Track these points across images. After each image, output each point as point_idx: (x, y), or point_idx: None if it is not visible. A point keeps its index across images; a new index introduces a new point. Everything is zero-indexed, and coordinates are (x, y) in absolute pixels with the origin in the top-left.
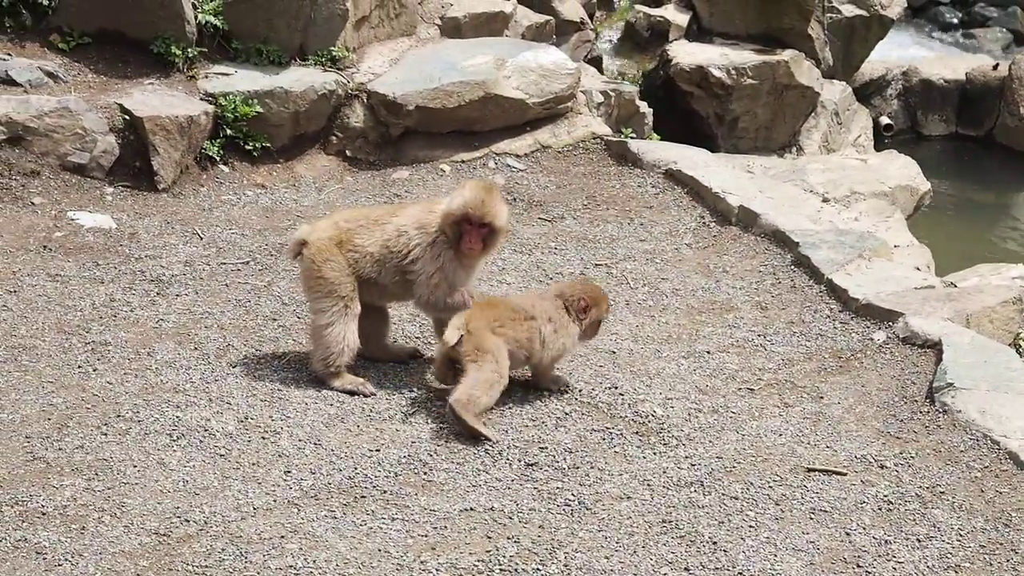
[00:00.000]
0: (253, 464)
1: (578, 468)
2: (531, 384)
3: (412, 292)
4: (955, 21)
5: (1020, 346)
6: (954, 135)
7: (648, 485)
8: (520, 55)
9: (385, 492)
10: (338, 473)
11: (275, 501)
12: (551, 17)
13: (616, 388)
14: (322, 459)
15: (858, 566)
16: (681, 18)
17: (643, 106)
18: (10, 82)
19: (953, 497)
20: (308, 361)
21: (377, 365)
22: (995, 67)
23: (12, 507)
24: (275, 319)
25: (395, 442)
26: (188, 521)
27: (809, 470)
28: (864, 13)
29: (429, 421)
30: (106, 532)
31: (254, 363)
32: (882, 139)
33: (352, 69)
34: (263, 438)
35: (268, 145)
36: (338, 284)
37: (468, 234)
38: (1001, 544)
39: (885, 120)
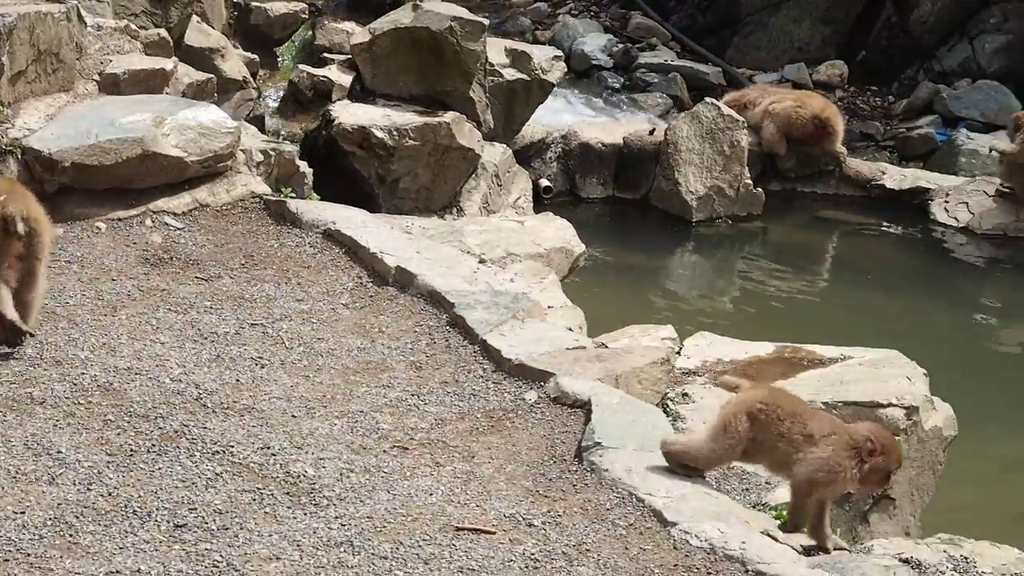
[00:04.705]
0: None
1: (227, 529)
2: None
3: None
4: (617, 86)
5: (668, 406)
6: (611, 198)
7: (298, 546)
8: (179, 113)
9: (29, 555)
10: None
11: None
12: (213, 75)
13: (268, 448)
14: None
15: None
16: (344, 79)
17: (303, 165)
18: None
19: (599, 554)
20: None
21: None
22: (651, 132)
23: None
24: None
25: (40, 504)
26: None
27: (458, 529)
28: (525, 77)
29: (77, 483)
30: None
31: None
32: (542, 201)
33: (7, 124)
34: None
35: None
36: None
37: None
38: None
39: (544, 182)
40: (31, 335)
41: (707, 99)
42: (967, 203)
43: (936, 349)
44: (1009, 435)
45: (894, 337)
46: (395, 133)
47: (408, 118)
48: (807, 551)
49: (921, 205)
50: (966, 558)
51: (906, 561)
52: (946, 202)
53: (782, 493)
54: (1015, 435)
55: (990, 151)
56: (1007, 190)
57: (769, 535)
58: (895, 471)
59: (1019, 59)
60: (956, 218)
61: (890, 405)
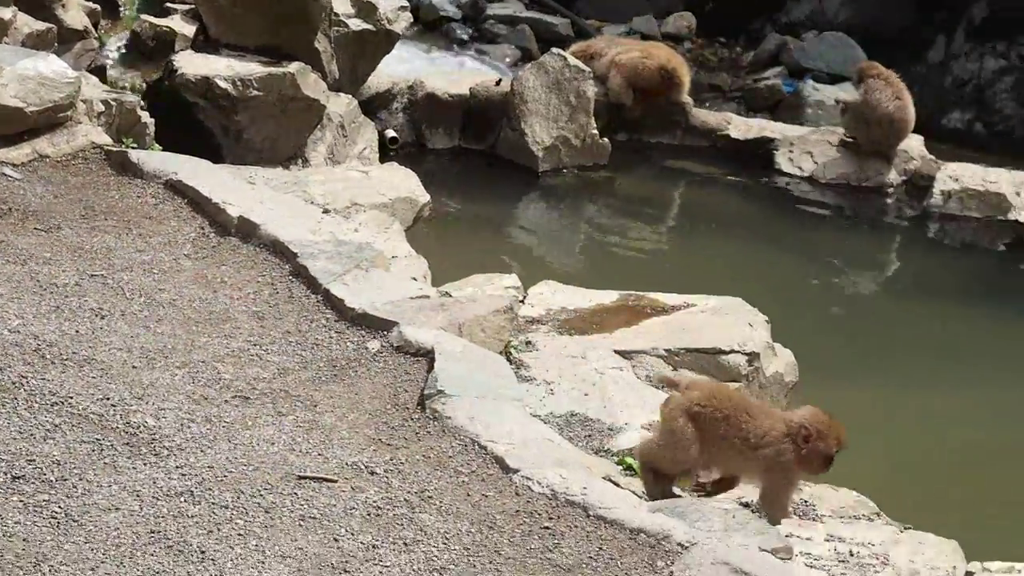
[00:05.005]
0: None
1: (66, 480)
2: None
3: None
4: (466, 37)
5: (511, 354)
6: (458, 149)
7: (137, 496)
8: (18, 63)
9: None
10: None
11: None
12: (53, 25)
13: (108, 399)
14: None
15: (345, 571)
16: (188, 29)
17: (145, 116)
18: None
19: (440, 501)
20: None
21: None
22: (498, 82)
23: None
24: None
25: None
26: None
27: (300, 478)
28: (371, 27)
29: None
30: None
31: None
32: (388, 152)
33: None
34: None
35: None
36: None
37: None
38: (485, 546)
39: (391, 133)
40: None
41: (553, 50)
42: (811, 153)
43: (778, 296)
44: (849, 380)
45: (737, 285)
46: (239, 84)
47: (252, 69)
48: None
49: (766, 155)
50: (806, 501)
51: (746, 505)
52: (791, 152)
53: (624, 439)
54: (855, 380)
55: (836, 102)
56: (850, 140)
57: (611, 480)
58: (836, 454)
59: (865, 11)
60: (800, 167)
61: (732, 352)
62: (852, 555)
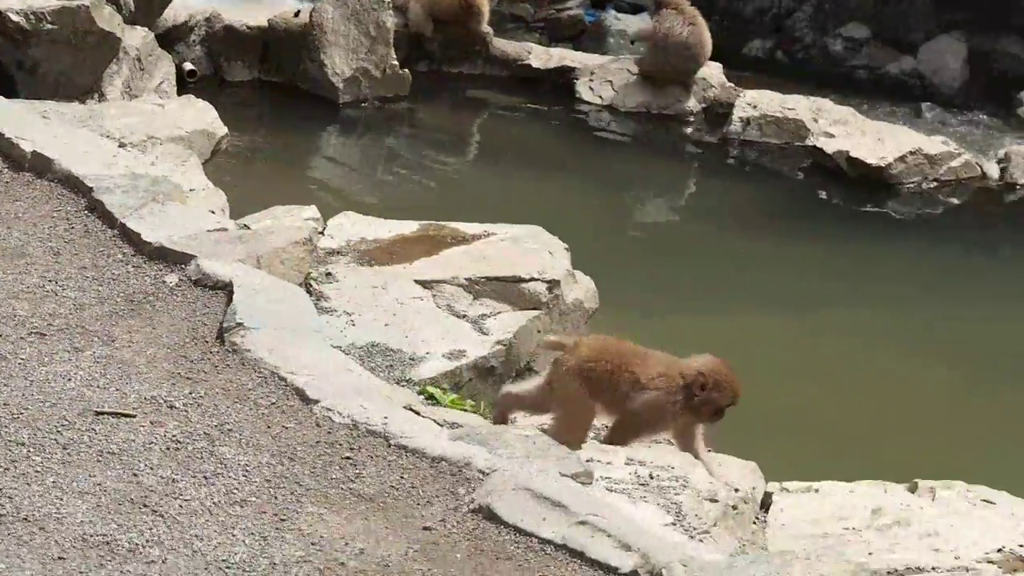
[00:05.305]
0: None
1: None
2: None
3: None
4: None
5: (311, 285)
6: (257, 81)
7: None
8: None
9: None
10: None
11: None
12: None
13: None
14: None
15: (145, 505)
16: None
17: None
18: None
19: (241, 434)
20: None
21: None
22: (296, 14)
23: None
24: None
25: None
26: None
27: (98, 413)
28: None
29: None
30: None
31: None
32: (186, 85)
33: None
34: None
35: None
36: None
37: None
38: (286, 477)
39: (188, 66)
40: None
41: None
42: (611, 81)
43: (578, 224)
44: (649, 306)
45: (538, 213)
46: (32, 17)
47: (45, 2)
48: None
49: (567, 84)
50: (607, 425)
51: (545, 431)
52: (591, 81)
53: (426, 368)
54: (655, 306)
55: (632, 42)
56: (644, 72)
57: (412, 410)
58: (729, 405)
59: None
60: (601, 96)
61: (532, 279)
62: (652, 478)
